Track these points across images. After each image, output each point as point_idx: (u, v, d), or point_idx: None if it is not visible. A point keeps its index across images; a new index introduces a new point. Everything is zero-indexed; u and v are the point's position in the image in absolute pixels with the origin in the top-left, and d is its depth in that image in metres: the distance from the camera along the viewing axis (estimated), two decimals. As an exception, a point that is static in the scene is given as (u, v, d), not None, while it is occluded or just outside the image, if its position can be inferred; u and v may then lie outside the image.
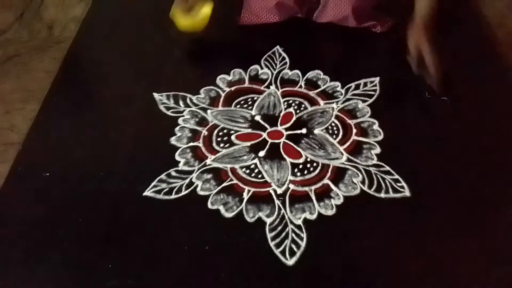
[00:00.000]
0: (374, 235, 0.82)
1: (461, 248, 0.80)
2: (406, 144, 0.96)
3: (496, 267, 0.78)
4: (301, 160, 0.93)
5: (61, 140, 1.00)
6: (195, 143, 0.97)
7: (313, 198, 0.87)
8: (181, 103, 1.06)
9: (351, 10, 1.15)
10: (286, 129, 0.99)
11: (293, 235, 0.82)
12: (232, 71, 1.12)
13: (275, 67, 1.13)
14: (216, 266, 0.79)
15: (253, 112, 1.03)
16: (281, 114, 1.02)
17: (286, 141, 0.97)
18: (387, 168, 0.91)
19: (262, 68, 1.13)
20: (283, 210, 0.85)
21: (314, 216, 0.84)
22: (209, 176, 0.91)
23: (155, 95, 1.07)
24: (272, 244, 0.81)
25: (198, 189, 0.89)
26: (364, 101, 1.04)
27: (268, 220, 0.84)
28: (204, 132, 1.00)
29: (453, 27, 1.23)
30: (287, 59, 1.15)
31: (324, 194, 0.88)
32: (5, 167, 0.94)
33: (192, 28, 1.15)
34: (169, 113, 1.04)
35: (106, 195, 0.89)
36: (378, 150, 0.95)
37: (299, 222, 0.84)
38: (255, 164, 0.93)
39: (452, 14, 1.26)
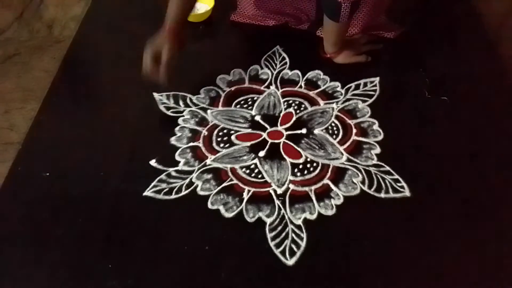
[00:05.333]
0: (374, 235, 0.82)
1: (461, 248, 0.80)
2: (406, 144, 0.96)
3: (497, 266, 0.78)
4: (301, 160, 0.93)
5: (61, 140, 1.00)
6: (195, 143, 0.98)
7: (313, 198, 0.87)
8: (181, 103, 1.06)
9: (361, 29, 1.15)
10: (286, 129, 0.99)
11: (293, 235, 0.82)
12: (232, 71, 1.12)
13: (275, 67, 1.13)
14: (216, 266, 0.79)
15: (253, 112, 1.03)
16: (281, 114, 1.02)
17: (286, 141, 0.97)
18: (387, 168, 0.91)
19: (262, 68, 1.13)
20: (283, 210, 0.85)
21: (314, 216, 0.84)
22: (209, 176, 0.91)
23: (155, 95, 1.07)
24: (272, 244, 0.81)
25: (198, 189, 0.89)
26: (364, 101, 1.04)
27: (268, 220, 0.84)
28: (204, 132, 1.00)
29: (453, 27, 1.23)
30: (287, 59, 1.15)
31: (324, 194, 0.88)
32: (5, 167, 0.94)
33: (194, 19, 1.24)
34: (169, 113, 1.04)
35: (106, 195, 0.89)
36: (378, 150, 0.95)
37: (299, 222, 0.84)
38: (255, 164, 0.93)
39: (452, 14, 1.27)
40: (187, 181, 0.91)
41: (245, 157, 0.94)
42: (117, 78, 1.13)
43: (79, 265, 0.80)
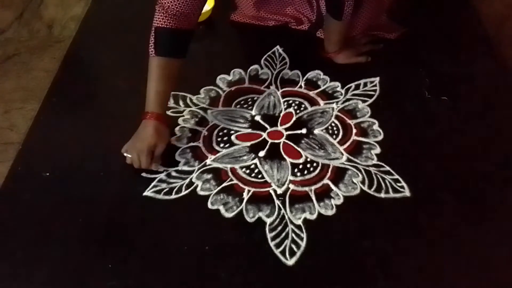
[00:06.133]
0: (374, 235, 0.82)
1: (461, 248, 0.80)
2: (406, 144, 0.96)
3: (497, 266, 0.78)
4: (301, 160, 0.93)
5: (61, 140, 1.00)
6: (195, 143, 0.98)
7: (313, 198, 0.87)
8: (181, 103, 1.06)
9: (361, 30, 1.16)
10: (286, 129, 0.99)
11: (293, 235, 0.82)
12: (232, 71, 1.12)
13: (275, 67, 1.13)
14: (216, 266, 0.79)
15: (253, 112, 1.03)
16: (281, 114, 1.02)
17: (286, 141, 0.97)
18: (387, 168, 0.91)
19: (262, 68, 1.13)
20: (283, 210, 0.85)
21: (314, 216, 0.84)
22: (209, 176, 0.91)
23: (155, 95, 1.07)
24: (272, 244, 0.81)
25: (198, 189, 0.89)
26: (364, 101, 1.04)
27: (268, 220, 0.84)
28: (204, 132, 1.00)
29: (453, 27, 1.23)
30: (287, 59, 1.15)
31: (324, 194, 0.88)
32: (5, 167, 0.94)
33: None
34: (169, 113, 1.04)
35: (106, 195, 0.89)
36: (378, 150, 0.95)
37: (299, 222, 0.84)
38: (255, 164, 0.93)
39: (452, 14, 1.26)
40: (187, 181, 0.91)
41: (245, 157, 0.94)
42: (117, 78, 1.13)
43: (79, 265, 0.80)
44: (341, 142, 0.97)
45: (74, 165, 0.94)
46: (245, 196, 0.88)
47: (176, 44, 0.92)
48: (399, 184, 0.88)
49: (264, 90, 1.08)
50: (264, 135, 0.98)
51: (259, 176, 0.91)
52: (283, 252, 0.80)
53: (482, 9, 1.26)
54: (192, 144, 0.97)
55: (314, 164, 0.93)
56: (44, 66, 1.17)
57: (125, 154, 0.91)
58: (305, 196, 0.87)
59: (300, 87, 1.09)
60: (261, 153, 0.95)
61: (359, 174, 0.91)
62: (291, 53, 1.16)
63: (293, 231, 0.83)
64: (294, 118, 1.01)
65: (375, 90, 1.07)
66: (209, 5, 1.25)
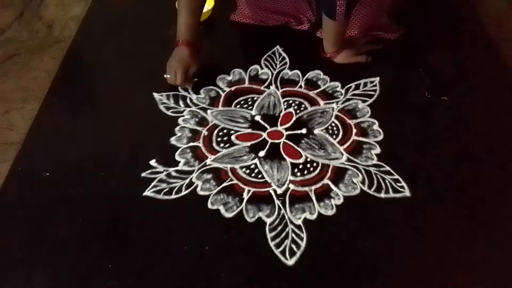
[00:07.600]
0: (374, 235, 0.82)
1: (461, 248, 0.80)
2: (406, 144, 0.96)
3: (496, 266, 0.78)
4: (301, 160, 0.93)
5: (61, 140, 1.00)
6: (195, 143, 0.98)
7: (313, 198, 0.87)
8: (181, 103, 1.06)
9: (360, 30, 1.15)
10: (286, 129, 0.99)
11: (293, 235, 0.82)
12: (232, 71, 1.12)
13: (275, 67, 1.13)
14: (216, 266, 0.79)
15: (253, 112, 1.03)
16: (281, 114, 1.02)
17: (286, 141, 0.97)
18: (387, 168, 0.91)
19: (262, 68, 1.13)
20: (283, 210, 0.86)
21: (314, 216, 0.84)
22: (209, 176, 0.91)
23: (155, 95, 1.07)
24: (272, 244, 0.81)
25: (198, 189, 0.89)
26: (364, 101, 1.04)
27: (268, 220, 0.84)
28: (204, 132, 1.00)
29: (453, 27, 1.23)
30: (287, 59, 1.15)
31: (324, 194, 0.88)
32: (5, 167, 0.94)
33: None
34: (169, 113, 1.04)
35: (106, 195, 0.89)
36: (378, 150, 0.95)
37: (299, 222, 0.84)
38: (255, 164, 0.93)
39: (452, 14, 1.27)
40: (187, 181, 0.91)
41: (245, 157, 0.94)
42: (117, 78, 1.13)
43: (79, 265, 0.80)
44: (341, 142, 0.97)
45: (74, 165, 0.94)
46: (245, 196, 0.88)
47: None
48: (399, 184, 0.88)
49: (264, 90, 1.08)
50: (264, 135, 0.98)
51: (259, 176, 0.91)
52: (283, 252, 0.80)
53: (482, 9, 1.26)
54: (192, 144, 0.97)
55: (314, 164, 0.93)
56: (44, 66, 1.17)
57: (165, 76, 1.05)
58: (305, 196, 0.87)
59: (300, 87, 1.08)
60: (261, 153, 0.95)
61: (359, 174, 0.91)
62: (291, 53, 1.16)
63: (293, 231, 0.83)
64: (294, 118, 1.01)
65: (375, 90, 1.07)
66: (209, 5, 1.25)
